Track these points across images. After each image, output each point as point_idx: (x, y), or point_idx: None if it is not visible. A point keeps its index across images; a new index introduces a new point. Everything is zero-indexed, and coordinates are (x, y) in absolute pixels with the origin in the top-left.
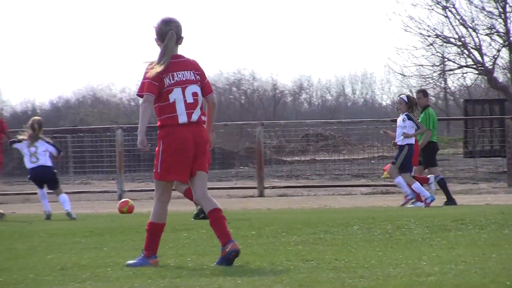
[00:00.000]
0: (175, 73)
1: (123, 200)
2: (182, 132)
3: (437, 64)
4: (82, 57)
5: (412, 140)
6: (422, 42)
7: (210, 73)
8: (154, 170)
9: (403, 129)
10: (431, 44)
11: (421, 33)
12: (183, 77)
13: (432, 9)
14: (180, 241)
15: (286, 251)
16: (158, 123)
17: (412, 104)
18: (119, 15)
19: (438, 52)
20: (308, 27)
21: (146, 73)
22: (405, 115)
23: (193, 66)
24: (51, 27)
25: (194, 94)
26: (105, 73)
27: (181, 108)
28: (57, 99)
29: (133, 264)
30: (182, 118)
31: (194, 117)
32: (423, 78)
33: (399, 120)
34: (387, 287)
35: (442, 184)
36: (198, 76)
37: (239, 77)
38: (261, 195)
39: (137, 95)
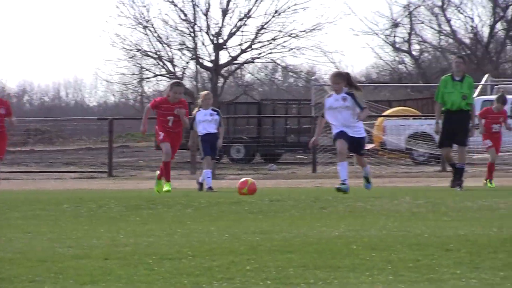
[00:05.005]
0: None
1: (242, 180)
2: None
3: (137, 73)
4: None
5: None
6: (125, 55)
7: None
8: None
9: None
10: (132, 57)
11: (124, 48)
12: None
13: (135, 28)
14: None
15: (9, 225)
16: None
17: None
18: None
19: (138, 63)
20: (31, 38)
21: None
22: None
23: None
24: None
25: None
26: None
27: None
28: None
29: None
30: None
31: None
32: (124, 84)
33: None
34: (91, 255)
35: None
36: None
37: None
38: None
39: None
